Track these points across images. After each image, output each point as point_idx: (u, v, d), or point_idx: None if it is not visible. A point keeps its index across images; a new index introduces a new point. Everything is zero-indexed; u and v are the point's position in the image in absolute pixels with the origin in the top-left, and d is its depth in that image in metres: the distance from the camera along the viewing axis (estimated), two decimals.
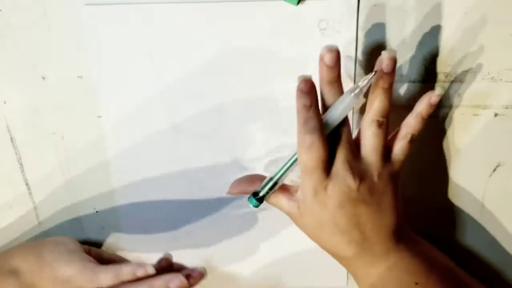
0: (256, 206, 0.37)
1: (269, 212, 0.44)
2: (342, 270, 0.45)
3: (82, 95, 0.41)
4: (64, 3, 0.39)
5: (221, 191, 0.43)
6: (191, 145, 0.42)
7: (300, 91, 0.34)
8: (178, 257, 0.45)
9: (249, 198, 0.37)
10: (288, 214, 0.38)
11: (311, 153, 0.34)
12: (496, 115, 0.41)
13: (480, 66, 0.40)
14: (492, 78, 0.40)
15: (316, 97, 0.35)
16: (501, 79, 0.40)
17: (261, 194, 0.37)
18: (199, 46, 0.40)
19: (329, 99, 0.36)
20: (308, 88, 0.34)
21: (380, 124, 0.36)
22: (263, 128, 0.41)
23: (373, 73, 0.35)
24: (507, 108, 0.41)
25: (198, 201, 0.44)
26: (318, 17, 0.39)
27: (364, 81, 0.35)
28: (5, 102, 0.41)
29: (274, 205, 0.38)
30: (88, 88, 0.40)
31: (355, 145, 0.37)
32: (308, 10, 0.38)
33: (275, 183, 0.37)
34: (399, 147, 0.37)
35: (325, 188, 0.35)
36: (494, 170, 0.43)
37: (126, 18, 0.39)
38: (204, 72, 0.40)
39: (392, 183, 0.37)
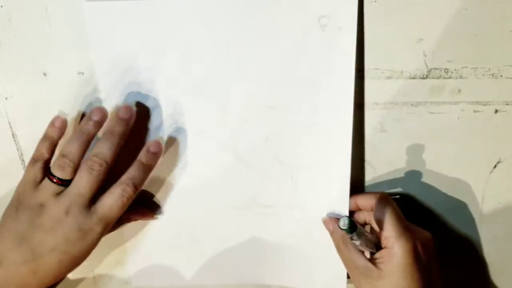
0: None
1: (269, 215, 0.44)
2: (342, 273, 0.45)
3: (83, 91, 0.41)
4: None
5: (222, 189, 0.43)
6: (192, 141, 0.42)
7: None
8: (179, 255, 0.45)
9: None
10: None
11: None
12: (496, 111, 0.41)
13: (480, 62, 0.40)
14: (493, 74, 0.40)
15: None
16: (501, 75, 0.40)
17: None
18: (199, 42, 0.40)
19: None
20: None
21: None
22: (263, 125, 0.41)
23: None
24: (507, 104, 0.41)
25: (198, 198, 0.44)
26: (319, 13, 0.39)
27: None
28: (6, 99, 0.41)
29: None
30: (89, 84, 0.40)
31: None
32: (309, 6, 0.38)
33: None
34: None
35: None
36: (495, 166, 0.43)
37: (127, 14, 0.39)
38: (204, 68, 0.40)
39: None
